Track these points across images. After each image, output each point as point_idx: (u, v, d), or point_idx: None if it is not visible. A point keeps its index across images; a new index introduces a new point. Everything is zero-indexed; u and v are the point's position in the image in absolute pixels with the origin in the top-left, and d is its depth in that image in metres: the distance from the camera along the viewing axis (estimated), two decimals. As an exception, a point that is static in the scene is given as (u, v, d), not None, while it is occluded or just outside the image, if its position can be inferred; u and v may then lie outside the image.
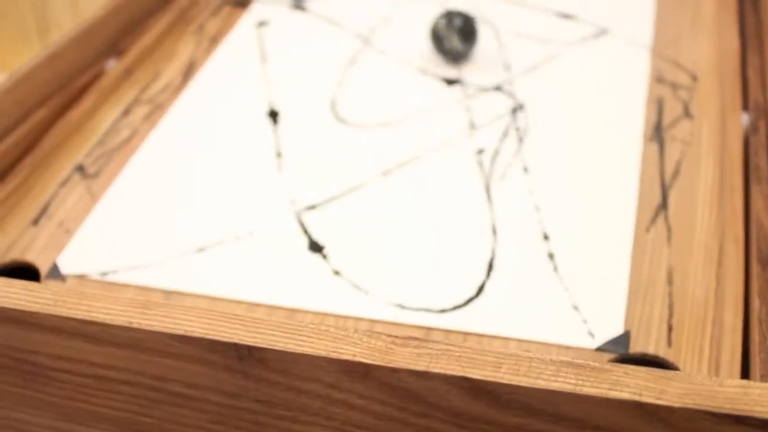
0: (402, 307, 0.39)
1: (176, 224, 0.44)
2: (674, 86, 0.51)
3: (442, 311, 0.39)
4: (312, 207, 0.45)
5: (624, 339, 0.37)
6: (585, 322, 0.38)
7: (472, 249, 0.42)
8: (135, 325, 0.32)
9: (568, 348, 0.37)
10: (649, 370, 0.29)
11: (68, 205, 0.46)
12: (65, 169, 0.49)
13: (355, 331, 0.31)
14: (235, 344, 0.31)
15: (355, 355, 0.30)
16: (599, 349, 0.36)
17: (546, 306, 0.39)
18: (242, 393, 0.33)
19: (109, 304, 0.33)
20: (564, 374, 0.29)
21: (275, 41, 0.58)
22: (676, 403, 0.28)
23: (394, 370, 0.30)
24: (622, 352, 0.36)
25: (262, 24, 0.60)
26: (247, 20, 0.61)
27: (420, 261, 0.41)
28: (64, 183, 0.48)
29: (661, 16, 0.58)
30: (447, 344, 0.30)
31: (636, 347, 0.37)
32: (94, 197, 0.46)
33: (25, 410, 0.38)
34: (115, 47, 0.57)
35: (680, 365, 0.36)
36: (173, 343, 0.32)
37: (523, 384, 0.29)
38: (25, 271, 0.43)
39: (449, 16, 0.54)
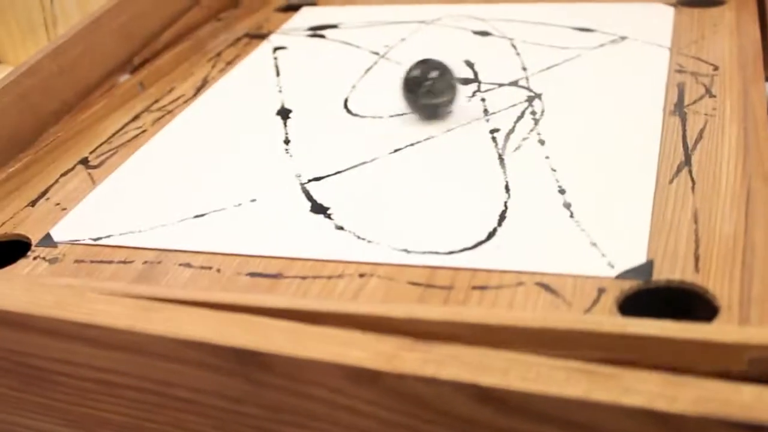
0: (407, 251, 0.36)
1: (175, 197, 0.43)
2: (695, 74, 0.49)
3: (450, 253, 0.36)
4: (317, 179, 0.43)
5: (646, 267, 0.34)
6: (604, 255, 0.35)
7: (482, 203, 0.39)
8: (137, 329, 0.31)
9: (585, 277, 0.34)
10: (662, 376, 0.27)
11: (68, 189, 0.45)
12: (69, 162, 0.48)
13: (363, 335, 0.30)
14: (238, 349, 0.30)
15: (361, 360, 0.29)
16: (619, 277, 0.33)
17: (562, 244, 0.36)
18: (246, 398, 0.31)
19: (110, 307, 0.32)
20: (575, 380, 0.27)
21: (291, 60, 0.58)
22: (689, 410, 0.26)
23: (401, 376, 0.28)
24: (645, 280, 0.33)
25: (278, 49, 0.60)
26: (264, 46, 0.61)
27: (427, 215, 0.39)
28: (66, 173, 0.47)
29: (680, 26, 0.56)
30: (455, 349, 0.29)
31: (660, 276, 0.33)
32: (94, 182, 0.45)
33: (26, 414, 0.36)
34: (129, 62, 0.57)
35: (710, 291, 0.32)
36: (176, 348, 0.31)
37: (532, 390, 0.27)
38: (19, 245, 0.41)
39: (424, 66, 0.47)
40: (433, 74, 0.46)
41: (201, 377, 0.31)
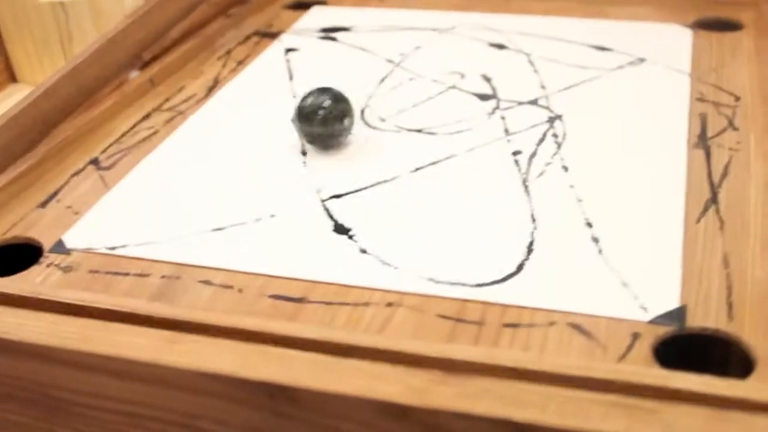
0: (434, 281, 0.36)
1: (192, 208, 0.42)
2: (717, 104, 0.49)
3: (479, 285, 0.35)
4: (337, 196, 0.42)
5: (679, 312, 0.33)
6: (636, 297, 0.34)
7: (509, 233, 0.39)
8: (161, 362, 0.30)
9: (618, 320, 0.33)
10: (706, 411, 0.26)
11: (79, 191, 0.44)
12: (79, 162, 0.46)
13: (395, 369, 0.29)
14: (265, 383, 0.29)
15: (391, 395, 0.28)
16: (652, 322, 0.33)
17: (593, 283, 0.35)
18: (273, 431, 0.31)
19: (134, 339, 0.31)
20: (614, 415, 0.27)
21: (304, 63, 0.57)
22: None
23: (433, 411, 0.28)
24: (678, 326, 0.33)
25: (290, 50, 0.59)
26: (275, 47, 0.60)
27: (453, 242, 0.38)
28: (77, 173, 0.45)
29: (699, 49, 0.56)
30: (489, 382, 0.28)
31: (693, 322, 0.33)
32: (107, 185, 0.44)
33: (51, 445, 0.36)
34: (139, 58, 0.55)
35: (744, 341, 0.32)
36: (201, 381, 0.30)
37: (570, 426, 0.27)
38: (29, 249, 0.40)
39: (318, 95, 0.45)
40: (327, 103, 0.45)
41: (227, 410, 0.31)
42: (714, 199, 0.40)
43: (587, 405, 0.27)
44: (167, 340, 0.31)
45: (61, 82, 0.50)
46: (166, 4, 0.56)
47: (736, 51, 0.55)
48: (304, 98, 0.45)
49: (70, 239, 0.40)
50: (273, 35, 0.62)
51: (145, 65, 0.56)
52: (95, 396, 0.33)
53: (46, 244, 0.40)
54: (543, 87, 0.52)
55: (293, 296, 0.35)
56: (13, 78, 0.62)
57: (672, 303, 0.34)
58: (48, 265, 0.38)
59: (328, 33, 0.62)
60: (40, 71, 0.60)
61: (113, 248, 0.39)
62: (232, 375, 0.30)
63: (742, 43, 0.56)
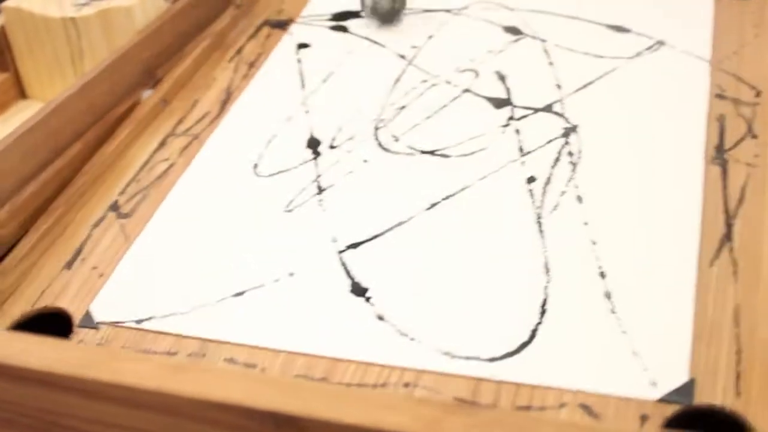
0: (450, 355, 0.37)
1: (213, 267, 0.43)
2: (736, 102, 0.48)
3: (493, 359, 0.36)
4: (354, 245, 0.43)
5: (688, 388, 0.34)
6: (646, 369, 0.35)
7: (523, 289, 0.39)
8: (165, 390, 0.30)
9: (628, 399, 0.34)
10: None
11: (102, 247, 0.45)
12: (99, 208, 0.47)
13: (403, 398, 0.29)
14: (272, 412, 0.29)
15: (401, 425, 0.28)
16: (662, 400, 0.34)
17: (604, 352, 0.36)
18: None
19: (138, 366, 0.31)
20: None
21: (315, 65, 0.56)
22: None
23: None
24: (686, 403, 0.34)
25: (302, 47, 0.58)
26: (286, 42, 0.59)
27: (469, 303, 0.39)
28: (98, 223, 0.46)
29: (720, 25, 0.54)
30: (499, 414, 0.28)
31: (701, 397, 0.34)
32: (128, 238, 0.45)
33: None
34: (151, 76, 0.55)
35: (750, 418, 0.33)
36: (207, 409, 0.30)
37: None
38: (58, 318, 0.42)
39: None
40: None
41: (233, 439, 0.31)
42: (729, 235, 0.40)
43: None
44: (171, 368, 0.31)
45: (72, 99, 0.50)
46: (177, 20, 0.55)
47: (759, 26, 0.54)
48: None
49: (98, 310, 0.41)
50: (283, 25, 0.61)
51: (157, 83, 0.55)
52: (98, 423, 0.33)
53: (75, 313, 0.41)
54: (558, 86, 0.51)
55: (315, 377, 0.37)
56: (22, 94, 0.62)
57: (681, 376, 0.34)
58: (79, 342, 0.40)
59: (339, 21, 0.61)
60: (50, 87, 0.60)
61: (140, 321, 0.40)
62: (239, 404, 0.29)
63: (765, 15, 0.54)
